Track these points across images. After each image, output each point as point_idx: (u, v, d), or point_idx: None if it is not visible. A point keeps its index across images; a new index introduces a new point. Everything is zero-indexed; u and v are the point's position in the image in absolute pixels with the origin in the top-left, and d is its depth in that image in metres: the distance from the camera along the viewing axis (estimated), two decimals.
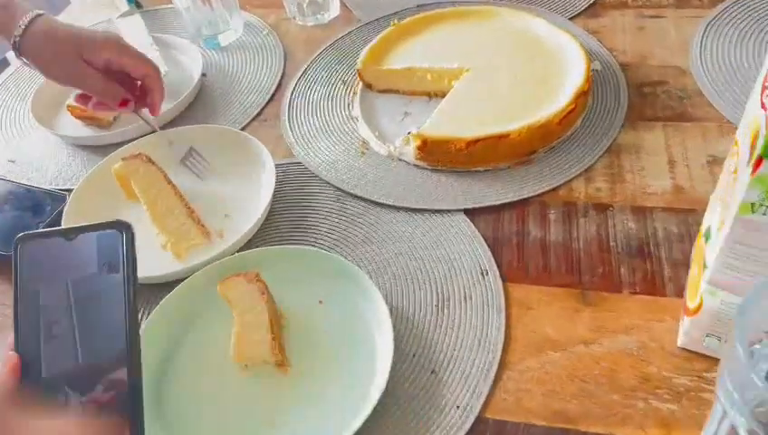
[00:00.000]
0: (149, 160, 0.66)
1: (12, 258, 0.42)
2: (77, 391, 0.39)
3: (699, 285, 0.46)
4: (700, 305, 0.46)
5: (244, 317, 0.53)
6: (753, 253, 0.41)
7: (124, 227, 0.42)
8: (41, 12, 0.66)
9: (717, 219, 0.45)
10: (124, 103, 0.67)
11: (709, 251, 0.45)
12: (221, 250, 0.60)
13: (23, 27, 0.64)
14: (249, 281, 0.54)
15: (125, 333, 0.40)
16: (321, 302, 0.56)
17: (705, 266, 0.45)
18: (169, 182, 0.66)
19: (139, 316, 0.59)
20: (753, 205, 0.39)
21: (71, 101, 0.79)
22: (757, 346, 0.39)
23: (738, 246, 0.41)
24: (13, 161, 0.78)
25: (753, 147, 0.38)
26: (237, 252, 0.61)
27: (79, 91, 0.71)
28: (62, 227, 0.43)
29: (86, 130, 0.79)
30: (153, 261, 0.61)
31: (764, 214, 0.39)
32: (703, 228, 0.49)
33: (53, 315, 0.41)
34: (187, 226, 0.63)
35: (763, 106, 0.39)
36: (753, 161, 0.37)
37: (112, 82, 0.66)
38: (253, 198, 0.66)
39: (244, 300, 0.53)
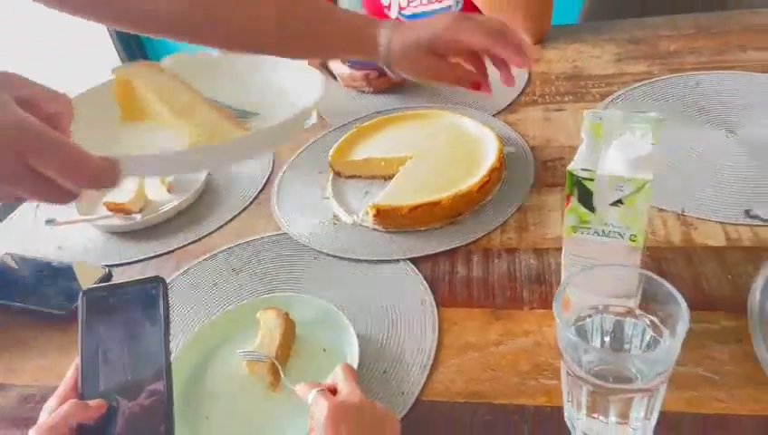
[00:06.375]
0: (162, 70, 0.58)
1: (79, 304, 0.56)
2: (126, 398, 0.53)
3: None
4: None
5: (263, 334, 0.71)
6: (580, 260, 0.61)
7: (161, 282, 0.57)
8: None
9: None
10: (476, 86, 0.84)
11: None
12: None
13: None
14: (278, 315, 0.73)
15: (162, 357, 0.54)
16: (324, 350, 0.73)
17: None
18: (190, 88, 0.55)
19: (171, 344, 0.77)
20: (573, 227, 0.60)
21: (107, 198, 1.01)
22: (588, 320, 0.59)
23: (572, 255, 0.61)
24: (60, 248, 0.99)
25: None
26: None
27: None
28: (116, 282, 0.62)
29: (117, 220, 1.00)
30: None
31: (582, 234, 0.60)
32: None
33: (109, 345, 0.55)
34: (217, 116, 0.53)
35: None
36: (565, 196, 0.59)
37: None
38: None
39: (269, 323, 0.72)
